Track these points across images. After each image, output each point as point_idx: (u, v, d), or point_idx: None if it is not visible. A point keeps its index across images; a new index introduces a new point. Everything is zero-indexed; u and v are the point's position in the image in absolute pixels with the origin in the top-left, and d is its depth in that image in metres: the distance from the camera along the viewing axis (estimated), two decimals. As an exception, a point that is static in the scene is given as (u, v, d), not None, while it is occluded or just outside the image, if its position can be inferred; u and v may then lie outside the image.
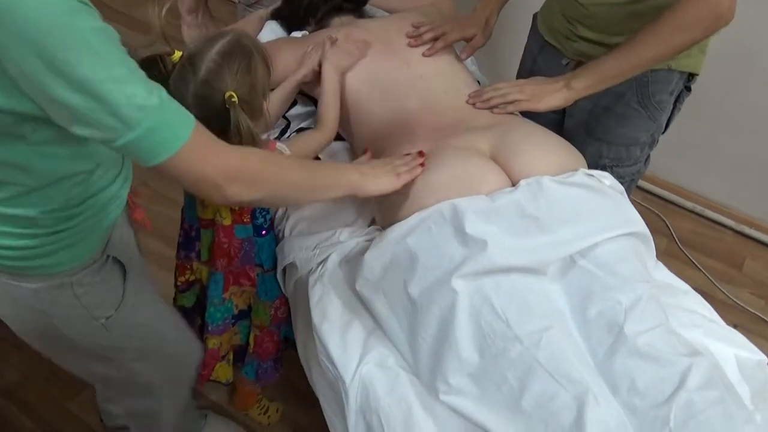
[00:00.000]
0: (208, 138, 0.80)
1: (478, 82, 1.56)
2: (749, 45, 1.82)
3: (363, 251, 1.13)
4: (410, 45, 1.37)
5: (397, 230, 1.08)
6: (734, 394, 0.96)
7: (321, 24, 1.51)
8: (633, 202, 1.34)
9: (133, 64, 0.72)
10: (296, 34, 1.51)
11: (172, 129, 0.74)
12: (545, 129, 1.23)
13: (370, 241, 1.17)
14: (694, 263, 2.13)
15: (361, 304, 1.12)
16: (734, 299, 2.04)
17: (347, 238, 1.22)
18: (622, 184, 1.23)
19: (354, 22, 1.50)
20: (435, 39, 1.38)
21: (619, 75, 1.21)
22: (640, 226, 1.11)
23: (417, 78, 1.33)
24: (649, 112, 1.33)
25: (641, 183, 2.31)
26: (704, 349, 1.04)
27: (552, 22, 1.40)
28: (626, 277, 1.02)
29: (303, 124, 1.43)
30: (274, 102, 1.31)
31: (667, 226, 2.25)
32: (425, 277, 1.03)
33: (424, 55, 1.37)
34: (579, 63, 1.32)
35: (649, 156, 1.46)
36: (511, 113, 1.28)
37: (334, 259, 1.18)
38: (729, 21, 1.10)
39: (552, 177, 1.09)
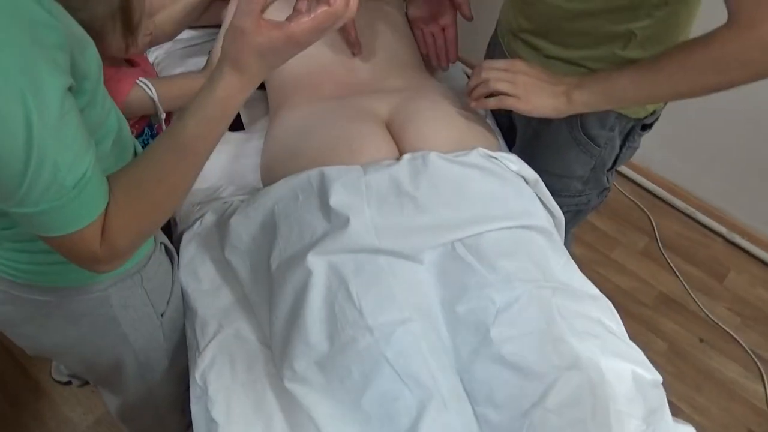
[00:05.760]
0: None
1: None
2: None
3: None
4: None
5: (267, 195, 0.99)
6: (602, 416, 0.84)
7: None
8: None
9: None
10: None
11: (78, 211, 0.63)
12: (461, 98, 1.09)
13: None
14: (671, 267, 1.98)
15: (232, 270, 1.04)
16: (707, 312, 1.87)
17: (229, 195, 1.11)
18: (563, 213, 1.07)
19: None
20: None
21: (628, 98, 0.97)
22: (541, 219, 0.99)
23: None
24: (581, 146, 1.10)
25: (629, 173, 2.15)
26: (592, 363, 0.92)
27: (505, 9, 1.15)
28: (507, 274, 0.90)
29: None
30: (176, 11, 1.19)
31: (651, 224, 2.09)
32: (285, 250, 0.93)
33: None
34: None
35: (606, 189, 1.21)
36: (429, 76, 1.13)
37: (209, 218, 1.08)
38: None
39: (441, 153, 0.97)
